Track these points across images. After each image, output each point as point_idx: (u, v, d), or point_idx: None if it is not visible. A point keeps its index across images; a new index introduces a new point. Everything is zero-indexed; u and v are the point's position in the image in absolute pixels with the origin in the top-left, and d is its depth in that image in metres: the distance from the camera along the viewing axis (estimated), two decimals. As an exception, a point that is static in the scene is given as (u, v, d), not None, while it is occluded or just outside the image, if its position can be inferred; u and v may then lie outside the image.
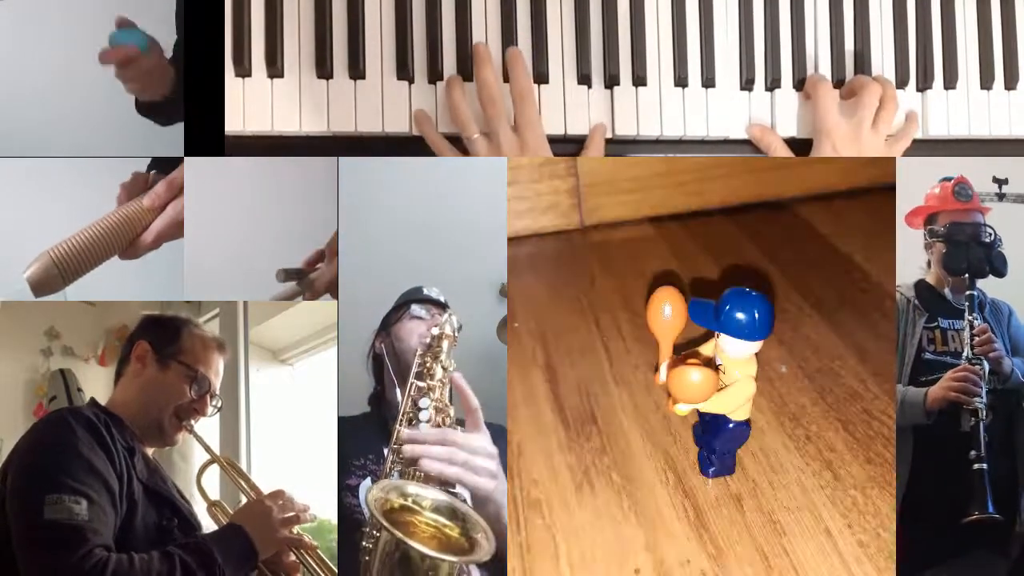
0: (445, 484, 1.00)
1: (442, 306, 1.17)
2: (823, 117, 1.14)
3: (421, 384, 1.06)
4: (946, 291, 1.18)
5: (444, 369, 1.06)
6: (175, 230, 1.09)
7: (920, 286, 1.19)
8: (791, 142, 1.20)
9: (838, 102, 1.16)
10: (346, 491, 1.09)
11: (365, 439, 1.12)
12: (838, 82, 1.23)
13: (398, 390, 1.11)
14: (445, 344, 1.07)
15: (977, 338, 1.13)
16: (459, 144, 1.12)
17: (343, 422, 1.13)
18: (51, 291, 1.03)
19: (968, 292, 1.16)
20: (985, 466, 1.05)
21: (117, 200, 1.08)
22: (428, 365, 1.07)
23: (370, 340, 1.17)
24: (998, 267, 1.17)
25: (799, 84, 1.22)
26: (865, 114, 1.14)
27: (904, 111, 1.21)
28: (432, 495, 0.98)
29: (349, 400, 1.15)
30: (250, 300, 1.29)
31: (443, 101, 1.14)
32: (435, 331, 1.08)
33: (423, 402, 1.05)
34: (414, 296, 1.17)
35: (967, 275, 1.16)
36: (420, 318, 1.14)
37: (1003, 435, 1.13)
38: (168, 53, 1.15)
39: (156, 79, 1.13)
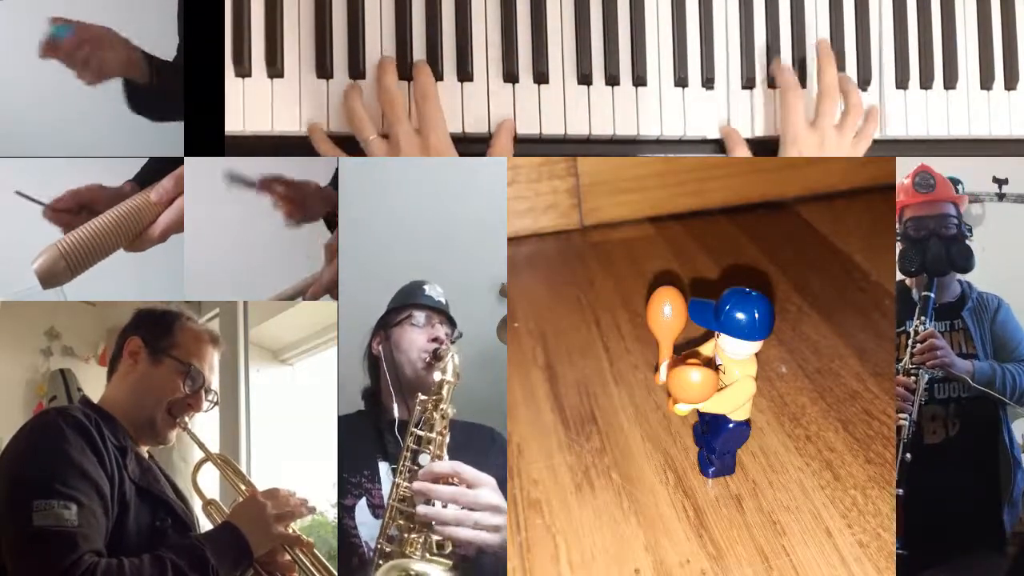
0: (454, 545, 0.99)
1: (443, 313, 1.16)
2: (793, 126, 1.14)
3: (421, 434, 1.05)
4: (913, 292, 1.12)
5: (443, 419, 1.05)
6: (182, 224, 1.09)
7: (896, 288, 1.15)
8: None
9: (804, 110, 1.15)
10: (343, 511, 1.09)
11: (359, 442, 1.12)
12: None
13: (395, 405, 1.12)
14: (445, 390, 1.06)
15: (919, 345, 1.05)
16: (354, 149, 1.11)
17: (339, 421, 1.12)
18: (59, 283, 1.03)
19: (924, 293, 1.09)
20: (900, 491, 0.98)
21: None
22: (428, 414, 1.05)
23: (367, 338, 1.16)
24: (959, 262, 1.09)
25: (799, 83, 1.22)
26: (826, 123, 1.14)
27: (865, 109, 1.19)
28: (436, 573, 0.99)
29: (343, 397, 1.14)
30: (250, 300, 1.29)
31: (443, 101, 1.14)
32: (436, 375, 1.06)
33: (422, 458, 1.04)
34: (415, 299, 1.16)
35: (924, 274, 1.09)
36: (419, 327, 1.14)
37: (981, 444, 1.08)
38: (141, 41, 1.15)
39: (94, 60, 1.12)
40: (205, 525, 1.09)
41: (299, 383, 1.44)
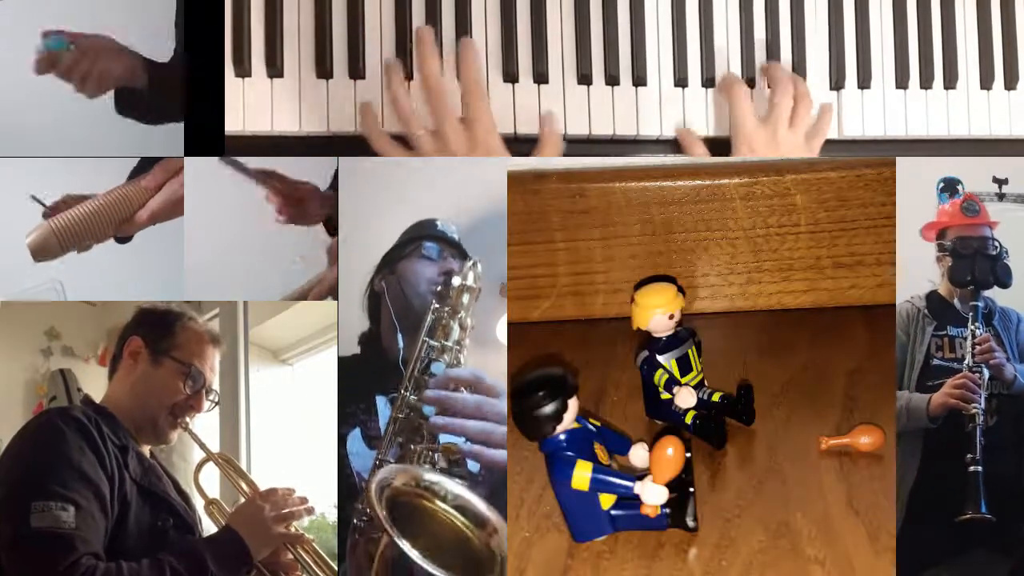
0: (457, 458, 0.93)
1: (457, 246, 1.11)
2: (740, 121, 1.15)
3: (434, 343, 0.98)
4: (955, 301, 1.22)
5: (463, 328, 0.99)
6: (170, 209, 1.11)
7: (932, 297, 1.23)
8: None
9: (752, 104, 1.16)
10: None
11: (354, 383, 1.08)
12: (837, 83, 1.23)
13: (400, 336, 1.06)
14: (466, 298, 0.99)
15: (979, 347, 1.18)
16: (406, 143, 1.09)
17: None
18: (49, 257, 1.07)
19: (973, 303, 1.20)
20: (980, 468, 1.10)
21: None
22: (444, 321, 0.99)
23: (368, 276, 1.12)
24: (1002, 278, 1.21)
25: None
26: (780, 114, 1.15)
27: (818, 105, 1.20)
28: (451, 487, 0.91)
29: (342, 343, 1.11)
30: (250, 300, 1.29)
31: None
32: (456, 281, 1.00)
33: (435, 367, 0.97)
34: (426, 231, 1.11)
35: (972, 286, 1.21)
36: (431, 259, 1.09)
37: (1011, 438, 1.17)
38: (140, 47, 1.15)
39: (95, 73, 1.13)
40: (207, 525, 1.09)
41: (299, 383, 1.44)
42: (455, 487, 0.90)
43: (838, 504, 0.95)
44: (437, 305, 0.99)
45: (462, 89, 1.05)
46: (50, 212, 1.09)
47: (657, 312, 1.04)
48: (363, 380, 1.08)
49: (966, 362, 1.18)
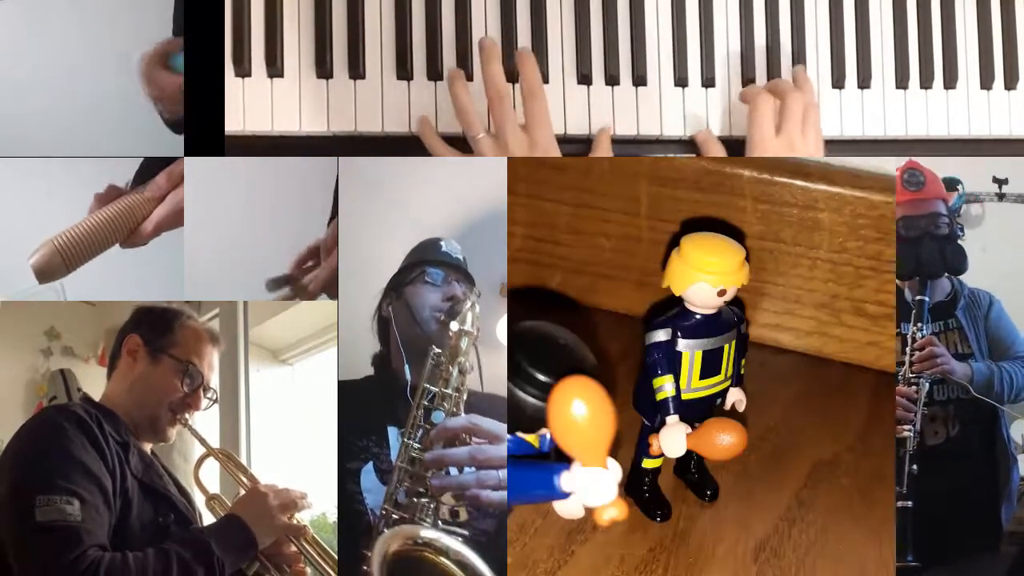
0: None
1: (461, 270, 1.12)
2: (761, 134, 1.11)
3: (434, 390, 1.01)
4: (906, 292, 1.07)
5: (462, 372, 1.00)
6: (175, 219, 1.10)
7: None
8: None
9: (773, 117, 1.11)
10: (347, 475, 1.06)
11: (367, 407, 1.08)
12: (837, 83, 1.23)
13: (407, 366, 1.07)
14: (464, 342, 1.01)
15: (918, 353, 1.02)
16: (460, 146, 1.12)
17: (344, 386, 1.09)
18: (55, 277, 1.05)
19: (919, 297, 1.04)
20: (910, 504, 0.96)
21: (88, 209, 1.09)
22: (444, 367, 1.01)
23: (376, 300, 1.12)
24: (954, 264, 1.04)
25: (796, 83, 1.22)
26: (793, 127, 1.11)
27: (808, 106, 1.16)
28: (450, 544, 0.93)
29: (351, 362, 1.11)
30: (250, 300, 1.29)
31: (442, 101, 1.14)
32: (454, 326, 1.02)
33: (435, 415, 1.00)
34: (430, 255, 1.12)
35: (918, 276, 1.04)
36: (435, 284, 1.10)
37: (982, 445, 1.07)
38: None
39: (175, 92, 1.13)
40: (208, 520, 1.09)
41: (299, 383, 1.44)
42: (453, 543, 0.93)
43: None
44: (438, 351, 1.02)
45: (523, 94, 1.07)
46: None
47: (707, 278, 0.78)
48: (375, 408, 1.09)
49: (902, 372, 1.00)
